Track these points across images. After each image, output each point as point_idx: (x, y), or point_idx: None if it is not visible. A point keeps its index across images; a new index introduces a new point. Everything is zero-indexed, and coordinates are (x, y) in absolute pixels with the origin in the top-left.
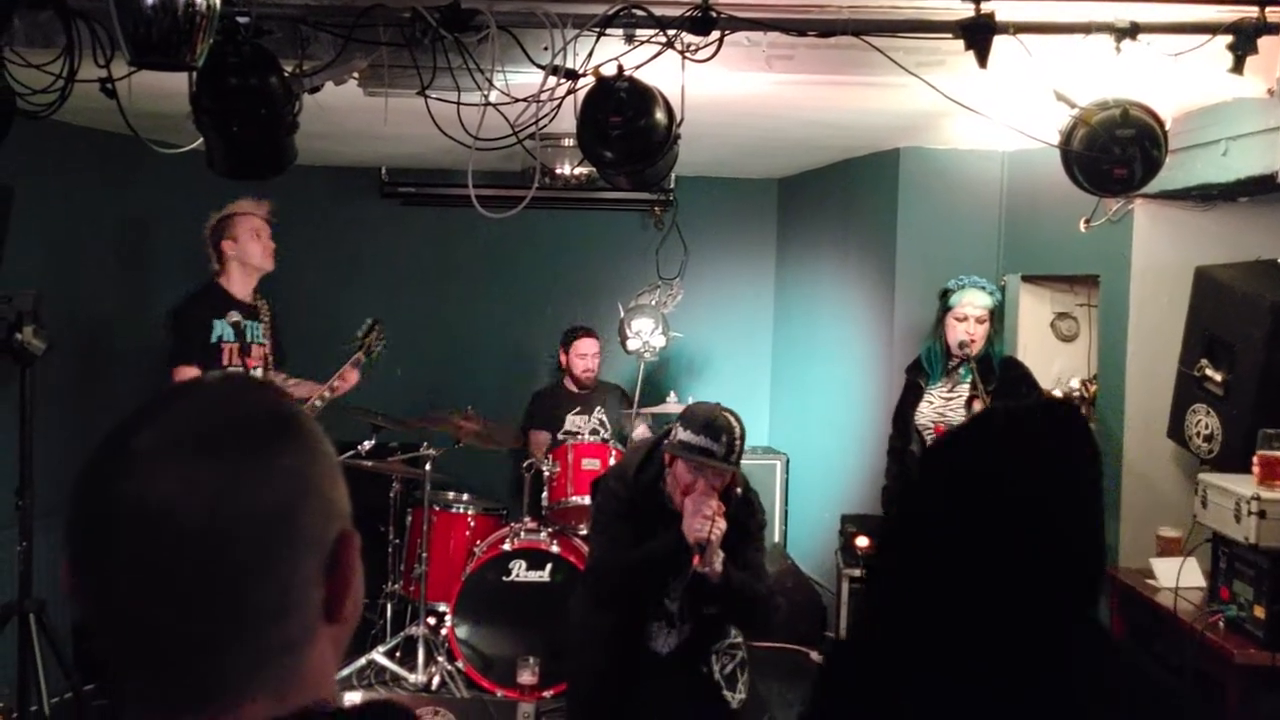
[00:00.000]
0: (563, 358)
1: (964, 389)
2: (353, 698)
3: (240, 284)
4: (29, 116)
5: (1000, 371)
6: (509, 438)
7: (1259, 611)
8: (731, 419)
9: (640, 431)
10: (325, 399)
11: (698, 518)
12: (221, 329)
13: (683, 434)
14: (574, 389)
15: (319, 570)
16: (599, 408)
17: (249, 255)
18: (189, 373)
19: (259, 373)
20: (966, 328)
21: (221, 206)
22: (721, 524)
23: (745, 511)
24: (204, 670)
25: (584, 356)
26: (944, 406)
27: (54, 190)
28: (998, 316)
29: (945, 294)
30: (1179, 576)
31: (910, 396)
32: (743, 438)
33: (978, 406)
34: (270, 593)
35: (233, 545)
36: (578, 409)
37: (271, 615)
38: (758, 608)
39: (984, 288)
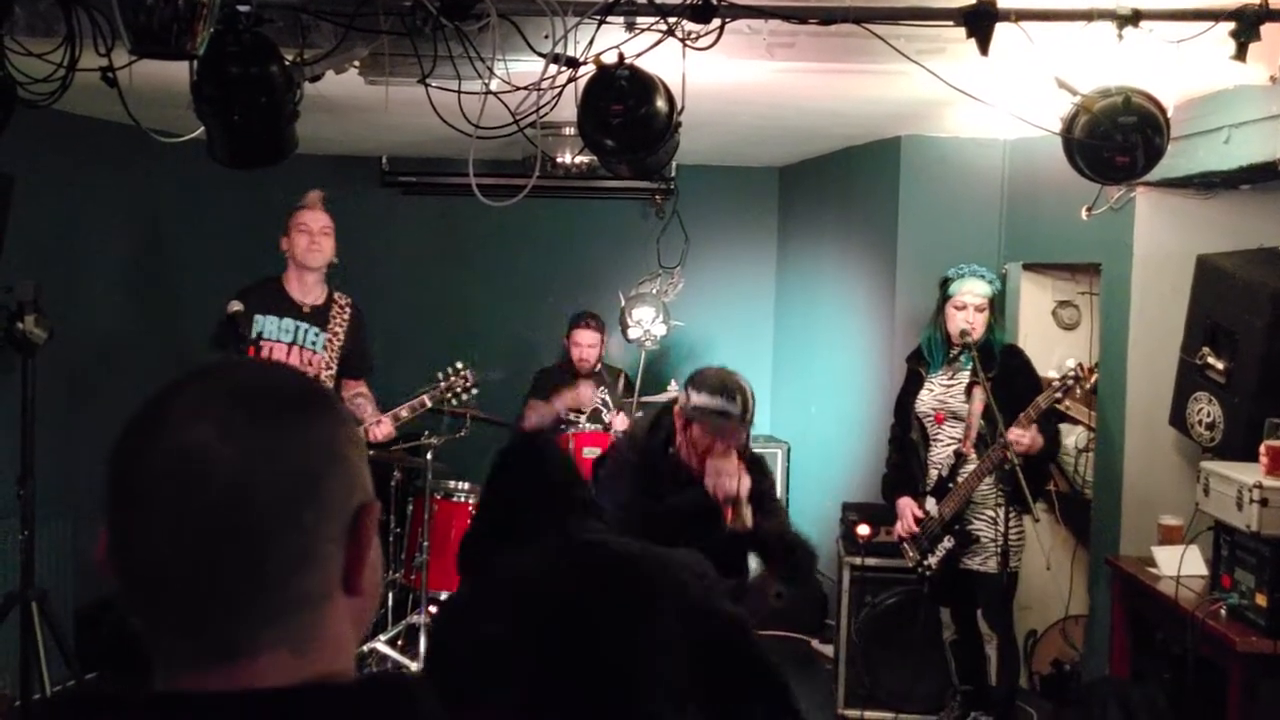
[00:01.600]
0: (566, 342)
1: (964, 376)
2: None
3: (297, 283)
4: (30, 106)
5: (1001, 359)
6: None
7: (1260, 599)
8: (741, 380)
9: (619, 421)
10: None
11: (724, 476)
12: (264, 325)
13: (697, 398)
14: (575, 370)
15: (340, 535)
16: (603, 388)
17: (294, 250)
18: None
19: None
20: (966, 316)
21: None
22: (747, 479)
23: (758, 472)
24: (229, 620)
25: (579, 346)
26: (944, 394)
27: (55, 179)
28: (998, 305)
29: (945, 282)
30: (1180, 565)
31: (911, 385)
32: (753, 398)
33: (977, 394)
34: (291, 547)
35: (259, 496)
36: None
37: (292, 569)
38: (799, 553)
39: (983, 276)
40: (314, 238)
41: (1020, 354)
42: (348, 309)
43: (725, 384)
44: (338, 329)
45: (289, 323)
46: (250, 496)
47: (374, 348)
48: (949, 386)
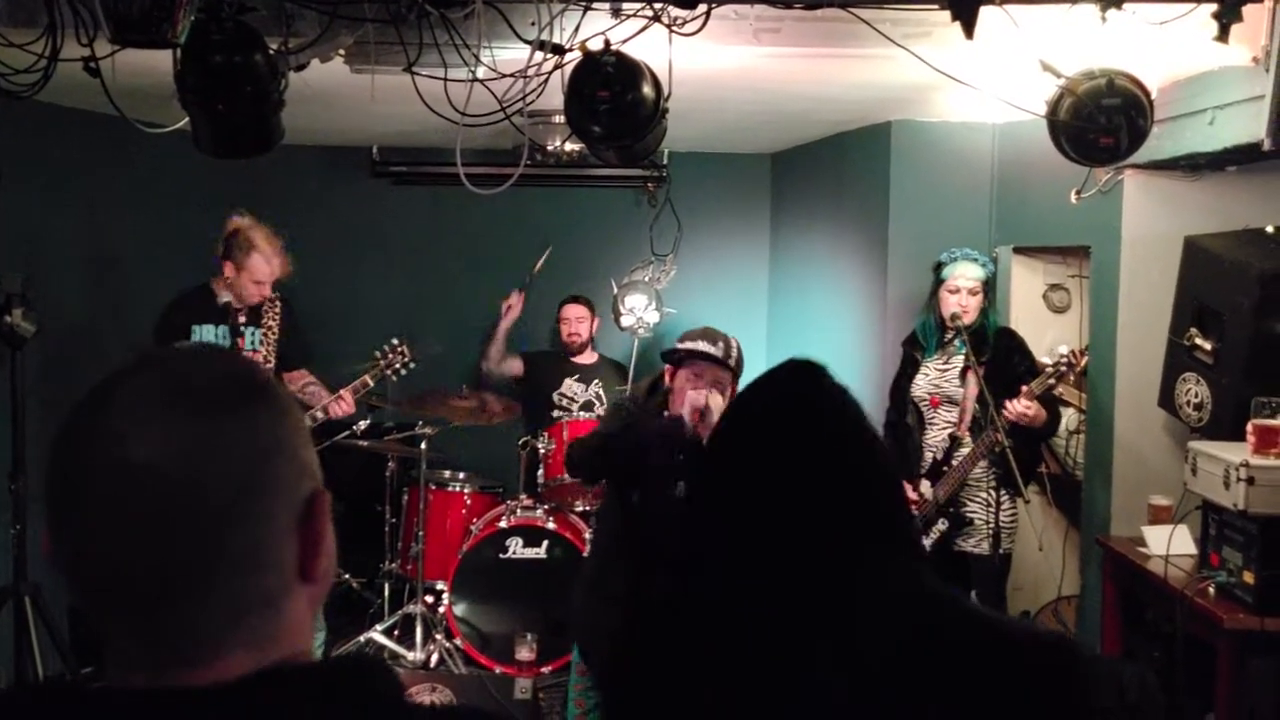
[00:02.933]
0: (558, 323)
1: (959, 360)
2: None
3: (232, 296)
4: (12, 97)
5: (994, 342)
6: (502, 409)
7: (1248, 577)
8: (726, 334)
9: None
10: (316, 420)
11: (694, 393)
12: (202, 334)
13: (680, 345)
14: (571, 357)
15: (293, 524)
16: (597, 380)
17: (241, 292)
18: None
19: None
20: (959, 299)
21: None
22: (719, 399)
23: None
24: (185, 623)
25: (568, 321)
26: (939, 378)
27: (40, 171)
28: (991, 288)
29: (938, 266)
30: (1169, 544)
31: (907, 369)
32: (740, 350)
33: (972, 378)
34: (247, 543)
35: (212, 496)
36: (576, 375)
37: (249, 566)
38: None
39: (976, 259)
40: (264, 289)
41: (1015, 336)
42: (278, 304)
43: (709, 330)
44: (271, 324)
45: (224, 329)
46: (197, 499)
47: (310, 336)
48: (944, 370)
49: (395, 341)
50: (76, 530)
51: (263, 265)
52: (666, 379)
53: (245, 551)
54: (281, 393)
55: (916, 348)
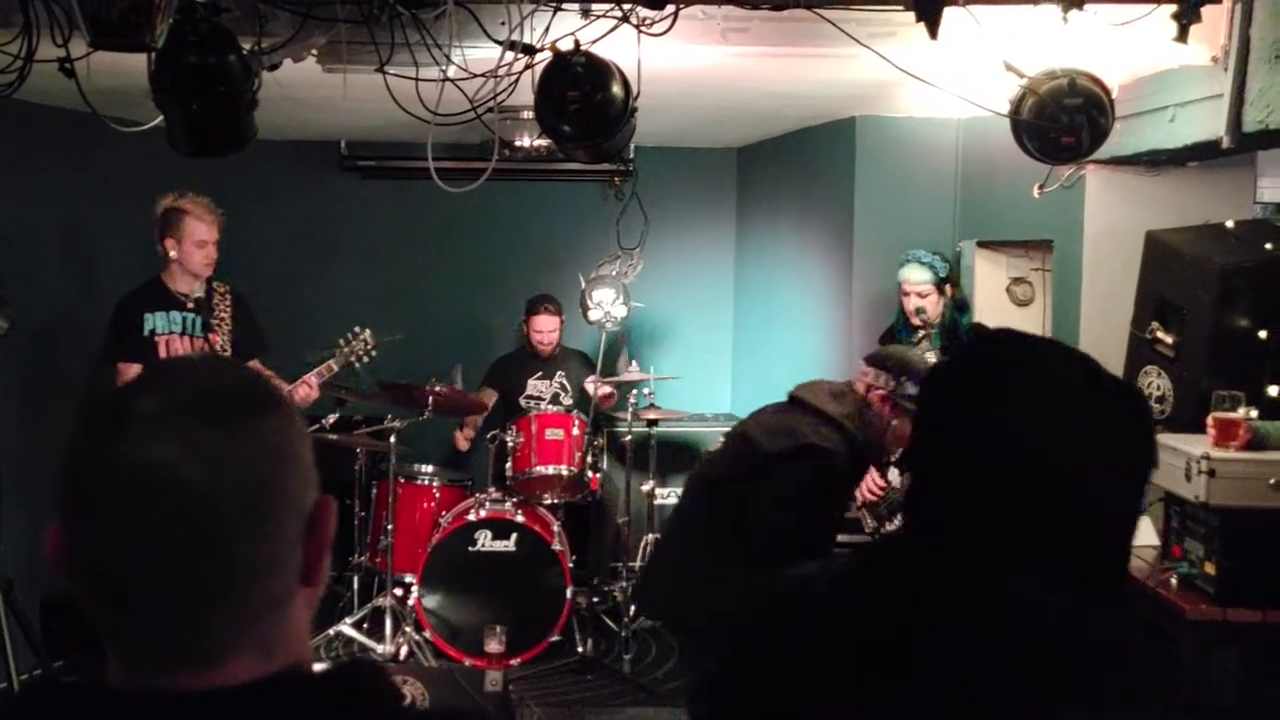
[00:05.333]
0: (525, 325)
1: (931, 357)
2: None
3: (183, 281)
4: None
5: (965, 338)
6: (473, 406)
7: (1209, 568)
8: None
9: (604, 389)
10: None
11: None
12: (154, 322)
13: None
14: (534, 355)
15: (301, 531)
16: (560, 372)
17: (189, 261)
18: (131, 369)
19: None
20: (913, 301)
21: (180, 183)
22: None
23: None
24: (195, 626)
25: (540, 332)
26: None
27: (14, 169)
28: (956, 283)
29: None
30: None
31: None
32: None
33: None
34: (259, 550)
35: (227, 504)
36: (539, 373)
37: (259, 572)
38: None
39: (922, 261)
40: (209, 251)
41: (984, 331)
42: (228, 295)
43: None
44: (223, 314)
45: (175, 315)
46: (214, 507)
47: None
48: None
49: (357, 329)
50: (92, 536)
51: (198, 224)
52: (881, 407)
53: (258, 559)
54: (288, 402)
55: (892, 342)
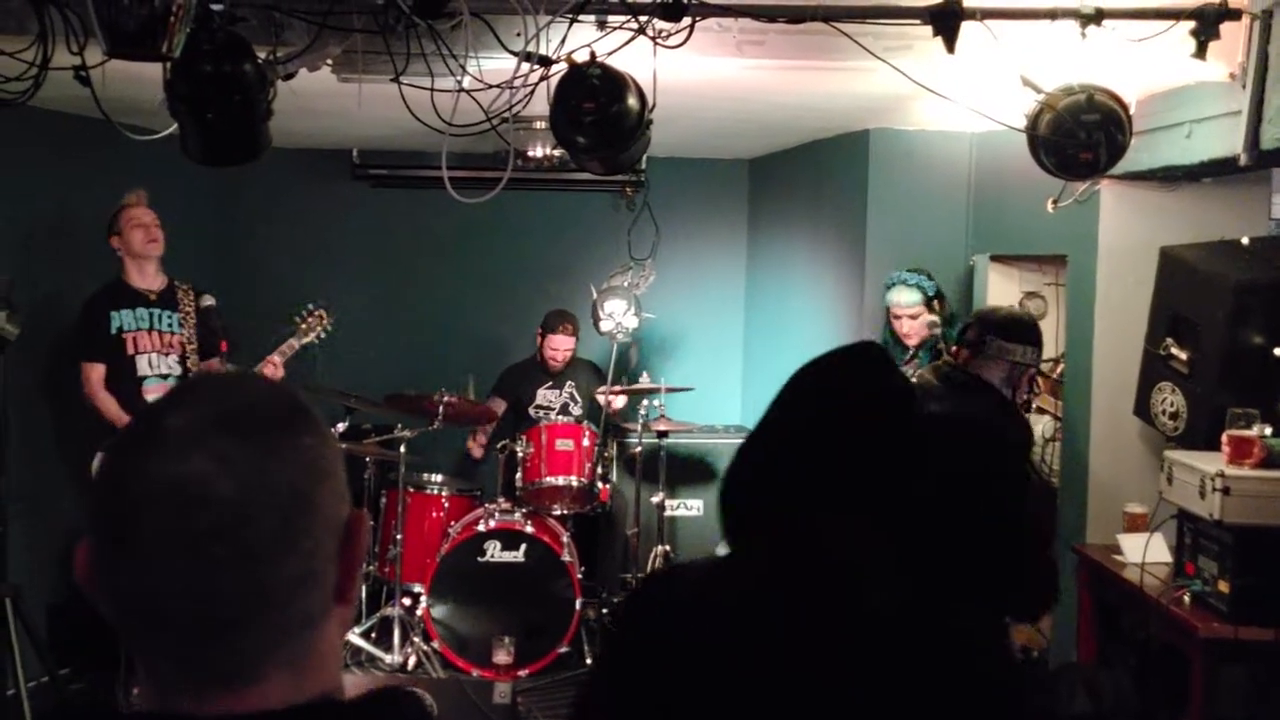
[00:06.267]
0: (539, 338)
1: (925, 373)
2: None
3: (138, 275)
4: (1, 105)
5: None
6: (483, 416)
7: (1223, 586)
8: None
9: (617, 401)
10: None
11: None
12: (121, 319)
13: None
14: (548, 368)
15: (335, 548)
16: (570, 383)
17: (131, 245)
18: (95, 369)
19: (174, 361)
20: (904, 324)
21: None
22: None
23: None
24: (229, 644)
25: (555, 350)
26: None
27: (27, 176)
28: (944, 298)
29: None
30: (1145, 552)
31: None
32: None
33: None
34: (294, 568)
35: (262, 520)
36: (549, 383)
37: (294, 588)
38: None
39: (908, 283)
40: (149, 230)
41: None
42: (191, 292)
43: None
44: (187, 309)
45: (142, 311)
46: (248, 522)
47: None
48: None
49: (312, 306)
50: (124, 554)
51: (134, 210)
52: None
53: (293, 575)
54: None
55: None
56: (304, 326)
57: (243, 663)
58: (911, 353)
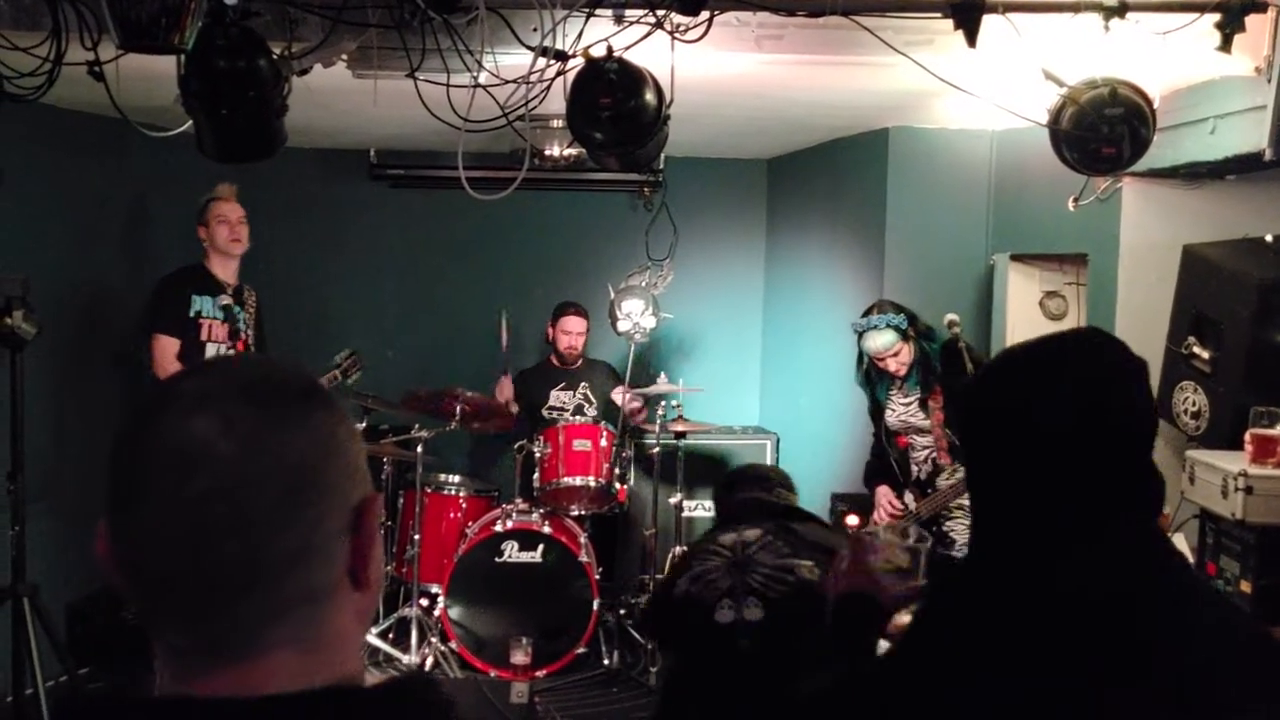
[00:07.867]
0: (550, 332)
1: (916, 392)
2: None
3: (220, 266)
4: (16, 101)
5: (943, 365)
6: (500, 413)
7: (1245, 586)
8: None
9: (631, 400)
10: None
11: None
12: (202, 304)
13: None
14: (558, 364)
15: (343, 527)
16: (584, 384)
17: (215, 239)
18: (168, 343)
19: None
20: (887, 364)
21: (211, 189)
22: None
23: None
24: (229, 615)
25: (569, 334)
26: (904, 413)
27: (43, 174)
28: (915, 318)
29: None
30: None
31: (875, 403)
32: None
33: (933, 406)
34: (293, 540)
35: (262, 487)
36: (562, 384)
37: (293, 562)
38: None
39: (879, 327)
40: (233, 228)
41: (955, 351)
42: (253, 296)
43: None
44: (252, 308)
45: (220, 301)
46: (249, 489)
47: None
48: (906, 406)
49: (339, 359)
50: (130, 519)
51: (222, 206)
52: None
53: (292, 549)
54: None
55: (867, 387)
56: (335, 373)
57: (245, 634)
58: (899, 381)
